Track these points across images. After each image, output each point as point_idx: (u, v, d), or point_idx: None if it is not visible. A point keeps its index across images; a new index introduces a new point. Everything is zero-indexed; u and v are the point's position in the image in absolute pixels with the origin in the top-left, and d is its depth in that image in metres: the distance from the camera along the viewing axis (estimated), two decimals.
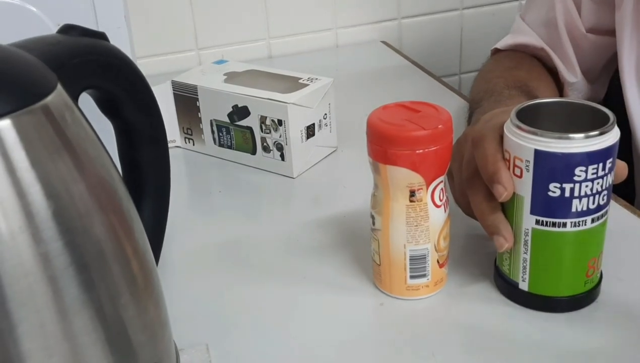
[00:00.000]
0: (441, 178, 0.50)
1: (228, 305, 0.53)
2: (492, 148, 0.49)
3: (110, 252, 0.34)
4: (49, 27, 0.50)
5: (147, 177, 0.46)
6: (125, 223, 0.36)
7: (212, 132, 0.74)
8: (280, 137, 0.70)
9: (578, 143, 0.44)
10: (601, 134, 0.44)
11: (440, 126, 0.48)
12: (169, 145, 0.77)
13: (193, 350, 0.48)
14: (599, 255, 0.49)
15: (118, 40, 0.46)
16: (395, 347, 0.48)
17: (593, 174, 0.45)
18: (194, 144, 0.77)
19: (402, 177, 0.48)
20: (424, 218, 0.49)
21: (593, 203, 0.46)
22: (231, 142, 0.74)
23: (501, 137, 0.49)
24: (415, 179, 0.48)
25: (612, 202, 0.61)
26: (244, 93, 0.70)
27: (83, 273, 0.33)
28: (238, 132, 0.72)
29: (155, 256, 0.48)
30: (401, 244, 0.50)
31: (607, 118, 0.46)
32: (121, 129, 0.44)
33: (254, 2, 1.03)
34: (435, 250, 0.51)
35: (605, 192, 0.46)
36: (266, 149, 0.71)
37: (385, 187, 0.49)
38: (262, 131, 0.71)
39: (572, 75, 0.75)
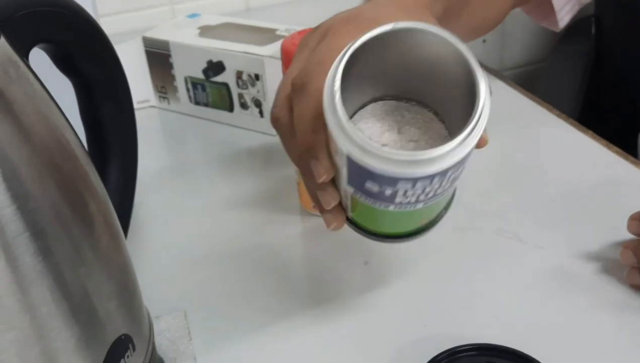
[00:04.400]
0: None
1: (207, 271, 0.52)
2: (314, 104, 0.37)
3: (67, 218, 0.32)
4: None
5: (111, 138, 0.43)
6: (83, 186, 0.34)
7: (187, 89, 0.71)
8: (258, 92, 0.67)
9: (388, 164, 0.32)
10: (426, 160, 0.32)
11: None
12: (143, 105, 0.75)
13: (170, 317, 0.47)
14: (436, 217, 0.40)
15: None
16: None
17: (408, 194, 0.34)
18: (169, 103, 0.74)
19: None
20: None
21: (419, 199, 0.35)
22: (207, 99, 0.71)
23: None
24: None
25: (605, 150, 0.60)
26: (218, 47, 0.67)
27: (38, 241, 0.31)
28: (214, 89, 0.69)
29: (125, 219, 0.45)
30: None
31: (471, 107, 0.33)
32: (80, 85, 0.41)
33: None
34: None
35: (434, 198, 0.36)
36: (244, 105, 0.69)
37: None
38: (238, 87, 0.68)
39: None
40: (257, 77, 0.66)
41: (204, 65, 0.68)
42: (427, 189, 0.35)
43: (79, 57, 0.39)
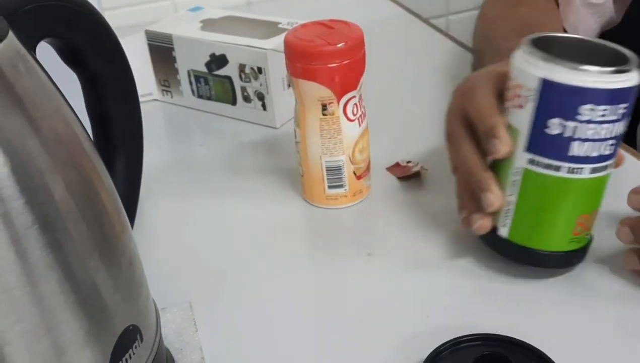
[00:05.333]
0: (353, 93, 0.52)
1: (211, 262, 0.52)
2: (487, 99, 0.45)
3: (76, 211, 0.32)
4: None
5: (117, 131, 0.44)
6: (91, 179, 0.34)
7: (190, 83, 0.72)
8: (260, 85, 0.67)
9: (591, 77, 0.40)
10: (618, 72, 0.40)
11: (342, 44, 0.50)
12: (146, 98, 0.75)
13: (176, 309, 0.47)
14: (592, 213, 0.45)
15: None
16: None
17: (601, 115, 0.41)
18: (172, 97, 0.74)
19: (313, 90, 0.51)
20: (337, 131, 0.52)
21: (595, 150, 0.42)
22: (210, 92, 0.71)
23: (496, 88, 0.46)
24: (325, 92, 0.51)
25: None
26: (221, 40, 0.67)
27: (47, 233, 0.31)
28: (217, 82, 0.70)
29: (131, 212, 0.46)
30: (317, 156, 0.53)
31: (626, 60, 0.42)
32: (86, 80, 0.41)
33: None
34: (351, 162, 0.53)
35: (611, 142, 0.42)
36: (247, 98, 0.69)
37: (301, 101, 0.53)
38: (241, 80, 0.68)
39: None
40: (259, 70, 0.66)
41: (207, 58, 0.69)
42: (599, 120, 0.41)
43: (85, 51, 0.39)
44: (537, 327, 0.43)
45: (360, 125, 0.53)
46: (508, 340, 0.40)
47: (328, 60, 0.50)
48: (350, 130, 0.53)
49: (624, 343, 0.42)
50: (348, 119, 0.52)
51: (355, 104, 0.53)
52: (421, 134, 0.66)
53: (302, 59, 0.51)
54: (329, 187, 0.55)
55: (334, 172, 0.54)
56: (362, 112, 0.54)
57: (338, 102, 0.52)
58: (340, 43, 0.50)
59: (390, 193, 0.57)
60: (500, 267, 0.48)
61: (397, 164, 0.59)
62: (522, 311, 0.45)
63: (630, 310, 0.44)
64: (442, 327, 0.43)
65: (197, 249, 0.54)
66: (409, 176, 0.58)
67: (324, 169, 0.54)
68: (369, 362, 0.42)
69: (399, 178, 0.58)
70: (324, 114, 0.52)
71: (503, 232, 0.46)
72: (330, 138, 0.53)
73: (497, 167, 0.46)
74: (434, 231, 0.52)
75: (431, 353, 0.40)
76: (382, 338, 0.43)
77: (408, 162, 0.59)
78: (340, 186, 0.55)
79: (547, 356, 0.39)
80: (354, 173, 0.54)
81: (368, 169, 0.56)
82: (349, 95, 0.52)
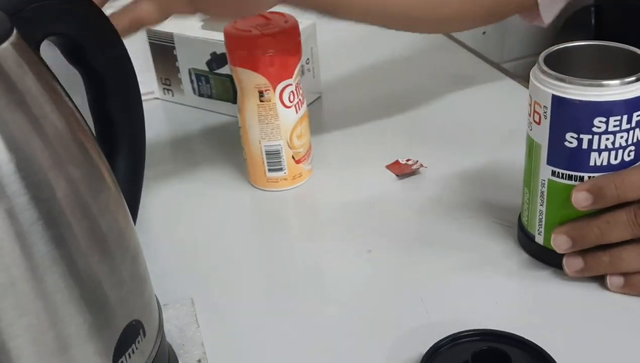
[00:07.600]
0: (289, 81, 0.55)
1: (212, 259, 0.52)
2: None
3: (79, 207, 0.33)
4: None
5: (120, 129, 0.44)
6: (95, 176, 0.35)
7: (191, 81, 0.72)
8: None
9: (598, 91, 0.41)
10: (628, 83, 0.40)
11: (275, 33, 0.53)
12: (147, 96, 0.76)
13: (178, 305, 0.47)
14: None
15: None
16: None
17: (615, 126, 0.41)
18: (173, 95, 0.75)
19: (249, 78, 0.54)
20: (274, 117, 0.55)
21: (615, 158, 0.42)
22: (211, 91, 0.71)
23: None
24: (260, 80, 0.54)
25: None
26: (222, 39, 0.67)
27: (52, 229, 0.32)
28: (218, 81, 0.70)
29: (134, 209, 0.46)
30: (257, 140, 0.56)
31: None
32: (89, 77, 0.42)
33: None
34: (289, 147, 0.56)
35: (631, 148, 0.42)
36: None
37: (240, 88, 0.56)
38: None
39: None
40: None
41: (208, 57, 0.69)
42: (615, 130, 0.41)
43: (88, 50, 0.40)
44: (536, 323, 0.43)
45: (297, 112, 0.56)
46: (507, 336, 0.41)
47: (263, 49, 0.52)
48: (287, 117, 0.55)
49: (623, 340, 0.42)
50: (284, 105, 0.55)
51: (292, 91, 0.55)
52: (420, 131, 0.66)
53: (239, 48, 0.53)
54: (269, 170, 0.57)
55: (273, 156, 0.56)
56: (300, 100, 0.56)
57: (274, 90, 0.54)
58: (274, 33, 0.53)
59: (389, 191, 0.58)
60: (499, 264, 0.49)
61: (397, 162, 0.60)
62: (521, 307, 0.45)
63: (630, 307, 0.44)
64: (441, 323, 0.43)
65: (199, 246, 0.54)
66: (408, 174, 0.59)
67: (264, 153, 0.56)
68: (368, 357, 0.42)
69: (397, 176, 0.59)
70: (261, 101, 0.54)
71: (539, 239, 0.47)
72: (267, 123, 0.55)
73: (527, 177, 0.47)
74: (433, 228, 0.53)
75: (430, 349, 0.40)
76: (382, 333, 0.44)
77: (408, 160, 0.60)
78: (280, 169, 0.57)
79: (545, 352, 0.39)
80: (293, 157, 0.57)
81: (308, 153, 0.58)
82: (284, 83, 0.54)
